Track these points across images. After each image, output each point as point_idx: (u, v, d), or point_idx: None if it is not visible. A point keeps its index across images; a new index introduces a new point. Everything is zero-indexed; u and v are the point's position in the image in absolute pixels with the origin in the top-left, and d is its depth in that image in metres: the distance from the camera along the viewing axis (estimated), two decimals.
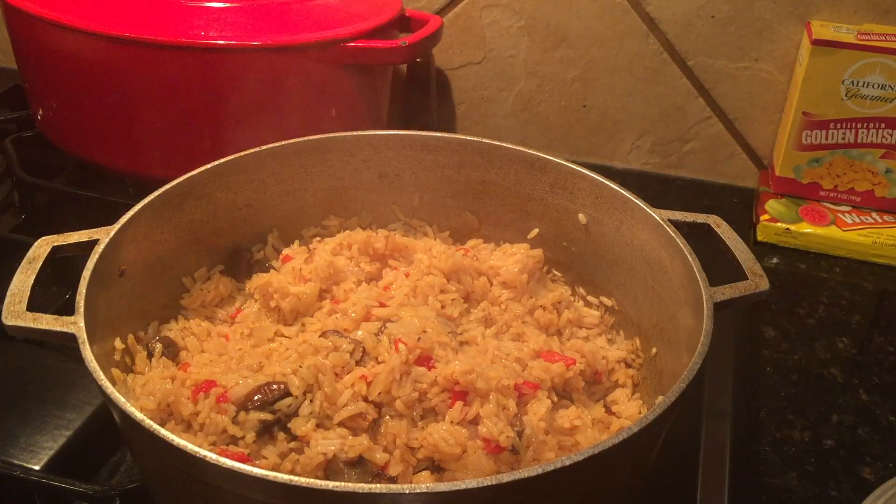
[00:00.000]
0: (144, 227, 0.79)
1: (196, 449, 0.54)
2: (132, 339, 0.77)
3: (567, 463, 0.54)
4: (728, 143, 1.32)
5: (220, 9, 1.03)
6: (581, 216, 0.89)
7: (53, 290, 0.90)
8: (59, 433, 0.78)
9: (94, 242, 0.73)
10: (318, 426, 0.66)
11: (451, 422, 0.67)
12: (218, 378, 0.70)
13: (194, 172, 0.84)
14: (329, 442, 0.65)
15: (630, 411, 0.77)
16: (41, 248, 0.74)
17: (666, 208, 0.81)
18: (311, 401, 0.67)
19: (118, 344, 0.74)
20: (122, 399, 0.58)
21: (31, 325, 0.66)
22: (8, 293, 0.69)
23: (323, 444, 0.64)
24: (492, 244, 0.94)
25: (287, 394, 0.67)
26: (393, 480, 0.65)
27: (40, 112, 1.18)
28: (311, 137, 0.91)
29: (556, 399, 0.74)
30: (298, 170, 0.91)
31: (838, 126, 1.17)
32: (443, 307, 0.81)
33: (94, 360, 0.61)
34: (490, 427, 0.66)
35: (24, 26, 1.09)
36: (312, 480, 0.53)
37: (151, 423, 0.56)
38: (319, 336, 0.74)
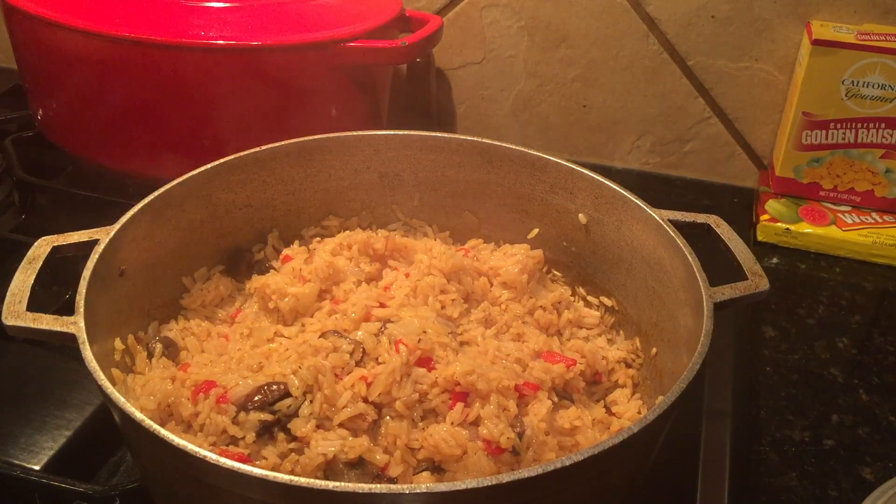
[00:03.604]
0: (144, 227, 0.79)
1: (196, 449, 0.54)
2: (132, 339, 0.77)
3: (567, 463, 0.54)
4: (728, 143, 1.32)
5: (220, 9, 1.03)
6: (581, 216, 0.89)
7: (53, 290, 0.90)
8: (59, 433, 0.78)
9: (94, 242, 0.73)
10: (318, 427, 0.66)
11: (452, 423, 0.67)
12: (218, 378, 0.70)
13: (194, 172, 0.84)
14: (329, 443, 0.65)
15: (630, 411, 0.77)
16: (41, 248, 0.74)
17: (666, 208, 0.81)
18: (311, 401, 0.67)
19: (118, 344, 0.74)
20: (122, 399, 0.58)
21: (31, 325, 0.66)
22: (8, 293, 0.69)
23: (323, 445, 0.64)
24: (492, 244, 0.94)
25: (287, 394, 0.67)
26: (393, 481, 0.65)
27: (40, 112, 1.18)
28: (311, 137, 0.91)
29: (556, 399, 0.74)
30: (298, 170, 0.91)
31: (838, 126, 1.17)
32: (443, 308, 0.81)
33: (94, 360, 0.61)
34: (491, 428, 0.66)
35: (24, 26, 1.09)
36: (312, 480, 0.52)
37: (151, 423, 0.56)
38: (319, 337, 0.74)
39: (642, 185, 1.30)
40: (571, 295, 0.91)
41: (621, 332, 0.87)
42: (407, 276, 0.84)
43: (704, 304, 0.68)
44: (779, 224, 1.18)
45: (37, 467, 0.74)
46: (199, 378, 0.71)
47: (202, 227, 0.86)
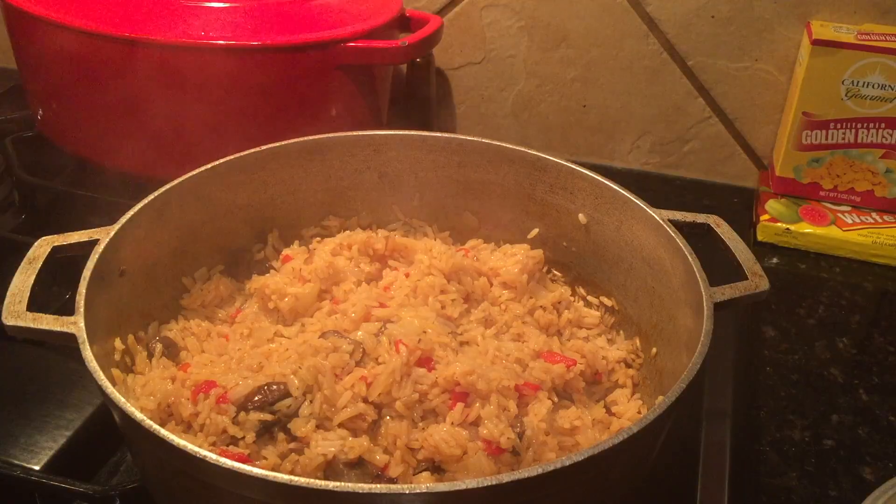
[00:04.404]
0: (144, 227, 0.79)
1: (196, 449, 0.54)
2: (132, 339, 0.77)
3: (567, 463, 0.54)
4: (728, 143, 1.32)
5: (220, 9, 1.03)
6: (581, 216, 0.89)
7: (53, 290, 0.90)
8: (59, 433, 0.78)
9: (94, 242, 0.73)
10: (318, 427, 0.66)
11: (452, 423, 0.67)
12: (218, 378, 0.70)
13: (194, 172, 0.84)
14: (329, 443, 0.65)
15: (630, 411, 0.77)
16: (41, 248, 0.74)
17: (666, 208, 0.81)
18: (311, 401, 0.67)
19: (118, 344, 0.74)
20: (122, 399, 0.58)
21: (31, 325, 0.66)
22: (8, 293, 0.69)
23: (323, 445, 0.64)
24: (492, 244, 0.94)
25: (287, 394, 0.67)
26: (393, 481, 0.65)
27: (40, 112, 1.18)
28: (311, 137, 0.91)
29: (556, 400, 0.74)
30: (298, 170, 0.91)
31: (838, 126, 1.17)
32: (443, 308, 0.81)
33: (94, 360, 0.61)
34: (491, 429, 0.66)
35: (24, 26, 1.09)
36: (312, 480, 0.53)
37: (151, 423, 0.56)
38: (319, 337, 0.74)
39: (642, 185, 1.30)
40: (571, 295, 0.91)
41: (621, 332, 0.87)
42: (407, 276, 0.84)
43: (704, 304, 0.68)
44: (779, 224, 1.18)
45: (37, 467, 0.74)
46: (199, 378, 0.71)
47: (202, 227, 0.86)
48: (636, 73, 1.30)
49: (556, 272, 0.93)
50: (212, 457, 0.53)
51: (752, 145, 1.31)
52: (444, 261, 0.84)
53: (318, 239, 0.92)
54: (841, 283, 1.12)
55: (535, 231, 0.93)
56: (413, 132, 0.93)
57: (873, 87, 1.13)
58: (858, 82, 1.13)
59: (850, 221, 1.18)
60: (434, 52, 1.27)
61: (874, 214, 1.20)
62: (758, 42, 1.23)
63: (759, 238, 1.19)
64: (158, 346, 0.78)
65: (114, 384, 0.60)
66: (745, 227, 1.22)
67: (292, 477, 0.52)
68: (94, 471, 0.78)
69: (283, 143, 0.89)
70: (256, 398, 0.67)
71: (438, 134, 0.93)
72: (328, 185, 0.94)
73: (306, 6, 1.07)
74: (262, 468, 0.55)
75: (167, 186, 0.81)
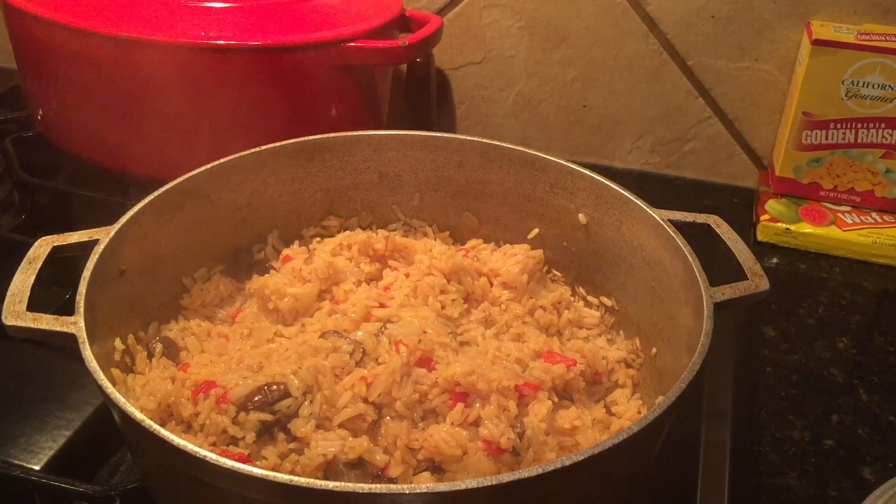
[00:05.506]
0: (144, 227, 0.79)
1: (196, 449, 0.54)
2: (132, 339, 0.77)
3: (567, 463, 0.54)
4: (728, 143, 1.32)
5: (220, 9, 1.03)
6: (581, 216, 0.89)
7: (53, 290, 0.90)
8: (59, 433, 0.78)
9: (94, 242, 0.73)
10: (318, 427, 0.66)
11: (452, 423, 0.67)
12: (218, 378, 0.70)
13: (194, 172, 0.84)
14: (329, 443, 0.65)
15: (630, 411, 0.77)
16: (41, 248, 0.74)
17: (666, 208, 0.81)
18: (311, 402, 0.67)
19: (118, 344, 0.74)
20: (122, 399, 0.58)
21: (31, 325, 0.66)
22: (8, 293, 0.69)
23: (323, 446, 0.64)
24: (492, 244, 0.94)
25: (287, 394, 0.67)
26: (393, 481, 0.65)
27: (40, 112, 1.18)
28: (311, 137, 0.91)
29: (556, 400, 0.74)
30: (298, 170, 0.92)
31: (838, 126, 1.17)
32: (443, 308, 0.81)
33: (94, 360, 0.61)
34: (491, 429, 0.66)
35: (24, 26, 1.09)
36: (312, 480, 0.52)
37: (151, 423, 0.56)
38: (319, 337, 0.74)
39: (642, 185, 1.30)
40: (571, 295, 0.91)
41: (621, 332, 0.87)
42: (407, 276, 0.84)
43: (704, 304, 0.68)
44: (779, 224, 1.18)
45: (37, 467, 0.74)
46: (199, 378, 0.71)
47: (202, 227, 0.86)
48: (636, 73, 1.30)
49: (556, 272, 0.93)
50: (212, 457, 0.53)
51: (752, 145, 1.32)
52: (444, 261, 0.84)
53: (318, 239, 0.92)
54: (841, 283, 1.12)
55: (535, 231, 0.93)
56: (413, 132, 0.93)
57: (873, 87, 1.13)
58: (858, 82, 1.13)
59: (850, 221, 1.18)
60: (434, 52, 1.27)
61: (874, 214, 1.20)
62: (758, 42, 1.23)
63: (759, 238, 1.19)
64: (158, 346, 0.78)
65: (114, 384, 0.60)
66: (745, 227, 1.22)
67: (292, 477, 0.52)
68: (94, 471, 0.78)
69: (283, 143, 0.89)
70: (256, 398, 0.67)
71: (438, 134, 0.93)
72: (328, 185, 0.94)
73: (306, 6, 1.07)
74: (262, 468, 0.55)
75: (167, 186, 0.81)
